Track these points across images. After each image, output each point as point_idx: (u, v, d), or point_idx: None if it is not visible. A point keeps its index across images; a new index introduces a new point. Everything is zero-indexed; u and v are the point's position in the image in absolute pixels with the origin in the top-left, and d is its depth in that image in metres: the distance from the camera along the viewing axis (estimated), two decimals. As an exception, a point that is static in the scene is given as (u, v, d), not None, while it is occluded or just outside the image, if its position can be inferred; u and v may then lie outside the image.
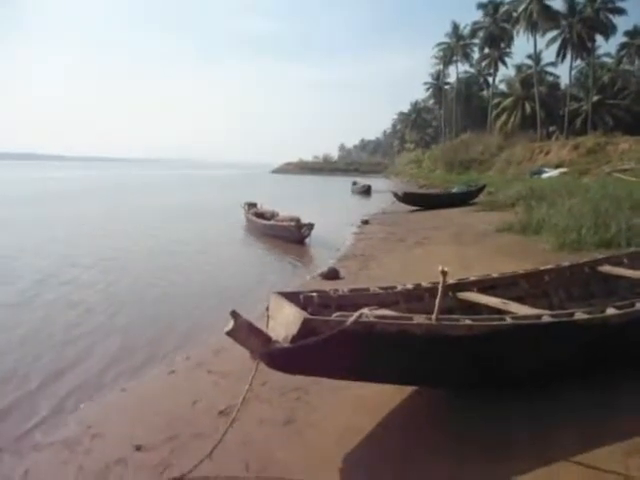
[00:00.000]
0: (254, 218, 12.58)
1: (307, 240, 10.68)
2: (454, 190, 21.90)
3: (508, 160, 36.93)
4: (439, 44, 55.15)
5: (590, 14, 37.03)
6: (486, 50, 48.77)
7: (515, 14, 40.38)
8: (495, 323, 2.77)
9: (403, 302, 3.61)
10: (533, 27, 37.91)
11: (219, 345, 4.58)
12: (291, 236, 10.62)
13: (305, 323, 2.46)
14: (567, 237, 8.50)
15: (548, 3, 37.64)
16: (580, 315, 2.94)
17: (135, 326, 5.30)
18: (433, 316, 2.63)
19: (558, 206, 11.13)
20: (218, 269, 8.34)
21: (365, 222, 14.24)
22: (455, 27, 52.81)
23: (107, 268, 8.21)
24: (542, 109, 40.56)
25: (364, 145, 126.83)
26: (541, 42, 40.49)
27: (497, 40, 46.05)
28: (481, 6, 46.40)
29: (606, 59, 46.33)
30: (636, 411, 2.87)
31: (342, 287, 3.44)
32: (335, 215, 17.13)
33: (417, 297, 3.70)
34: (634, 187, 14.35)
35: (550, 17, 37.31)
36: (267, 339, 2.48)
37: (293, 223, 10.63)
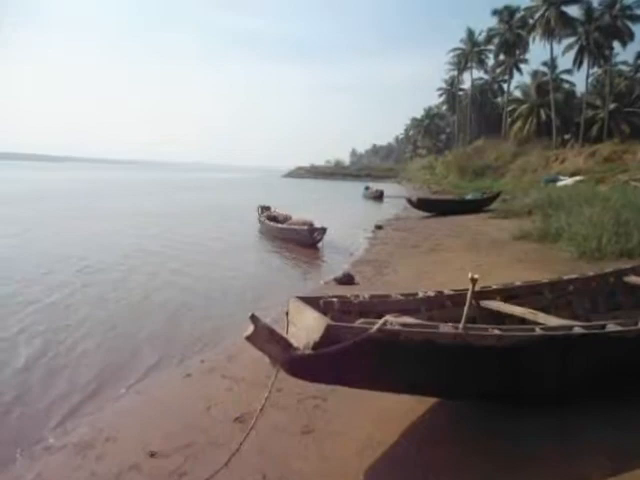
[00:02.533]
0: (267, 221, 12.56)
1: (319, 244, 10.60)
2: (468, 197, 21.67)
3: (523, 167, 36.57)
4: (454, 49, 54.89)
5: (608, 21, 36.57)
6: (501, 57, 48.43)
7: (531, 21, 40.06)
8: (525, 334, 2.65)
9: (425, 309, 3.50)
10: (550, 34, 37.53)
11: (233, 350, 4.52)
12: (303, 240, 10.55)
13: (328, 330, 2.37)
14: (588, 246, 8.31)
15: (565, 10, 37.28)
16: (613, 327, 2.82)
17: (149, 327, 5.25)
18: (460, 325, 2.53)
19: (577, 215, 10.91)
20: (230, 271, 8.27)
21: (379, 227, 14.13)
22: (470, 33, 52.51)
23: (120, 266, 8.23)
24: (557, 116, 40.09)
25: (376, 150, 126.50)
26: (557, 49, 40.18)
27: (512, 47, 45.68)
28: (496, 12, 46.12)
29: (623, 67, 45.79)
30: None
31: (363, 293, 3.33)
32: (348, 219, 17.04)
33: (439, 304, 3.59)
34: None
35: (567, 24, 36.92)
36: (288, 345, 2.39)
37: (305, 227, 10.56)
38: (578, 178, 25.89)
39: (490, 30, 48.23)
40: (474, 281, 2.48)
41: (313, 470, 2.59)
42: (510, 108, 46.84)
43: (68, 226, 13.46)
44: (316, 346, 2.38)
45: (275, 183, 53.33)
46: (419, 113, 76.95)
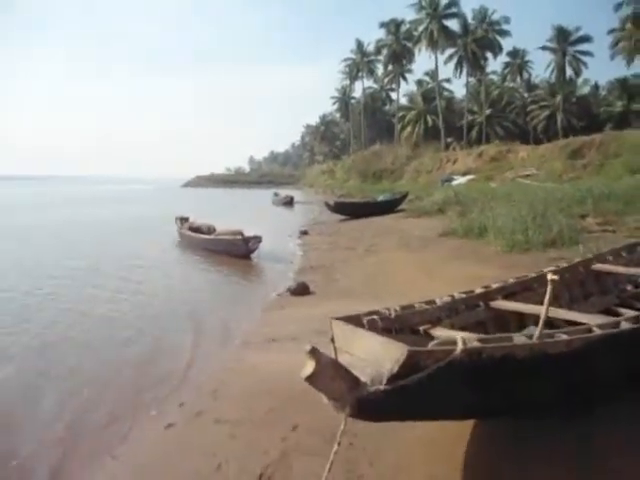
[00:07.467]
0: (190, 233, 11.58)
1: (254, 254, 9.97)
2: (380, 198, 22.28)
3: (418, 169, 38.95)
4: (345, 59, 56.91)
5: (481, 34, 40.50)
6: (389, 67, 51.17)
7: (416, 33, 42.90)
8: (587, 335, 2.47)
9: (444, 316, 3.23)
10: (434, 45, 40.49)
11: (210, 385, 3.86)
12: (237, 250, 9.84)
13: (411, 357, 1.95)
14: (515, 239, 8.78)
15: (446, 23, 40.51)
16: None
17: (94, 373, 4.29)
18: (536, 333, 2.27)
19: (490, 210, 11.58)
20: (168, 294, 7.27)
21: (304, 232, 13.83)
22: (359, 44, 54.81)
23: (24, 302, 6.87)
24: (442, 121, 43.42)
25: (274, 157, 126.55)
26: (440, 59, 43.48)
27: (400, 57, 48.52)
28: (383, 25, 48.73)
29: (493, 77, 51.08)
30: None
31: (393, 305, 2.94)
32: (269, 227, 16.39)
33: (455, 310, 3.35)
34: (545, 190, 15.66)
35: (448, 36, 40.16)
36: (356, 381, 1.92)
37: (239, 237, 9.86)
38: (470, 177, 28.13)
39: (379, 41, 50.74)
40: (554, 282, 2.22)
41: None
42: (400, 115, 49.72)
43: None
44: (392, 378, 1.95)
45: (174, 194, 50.54)
46: (313, 120, 78.56)
